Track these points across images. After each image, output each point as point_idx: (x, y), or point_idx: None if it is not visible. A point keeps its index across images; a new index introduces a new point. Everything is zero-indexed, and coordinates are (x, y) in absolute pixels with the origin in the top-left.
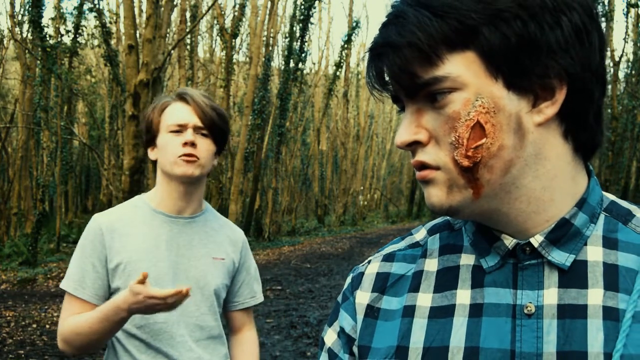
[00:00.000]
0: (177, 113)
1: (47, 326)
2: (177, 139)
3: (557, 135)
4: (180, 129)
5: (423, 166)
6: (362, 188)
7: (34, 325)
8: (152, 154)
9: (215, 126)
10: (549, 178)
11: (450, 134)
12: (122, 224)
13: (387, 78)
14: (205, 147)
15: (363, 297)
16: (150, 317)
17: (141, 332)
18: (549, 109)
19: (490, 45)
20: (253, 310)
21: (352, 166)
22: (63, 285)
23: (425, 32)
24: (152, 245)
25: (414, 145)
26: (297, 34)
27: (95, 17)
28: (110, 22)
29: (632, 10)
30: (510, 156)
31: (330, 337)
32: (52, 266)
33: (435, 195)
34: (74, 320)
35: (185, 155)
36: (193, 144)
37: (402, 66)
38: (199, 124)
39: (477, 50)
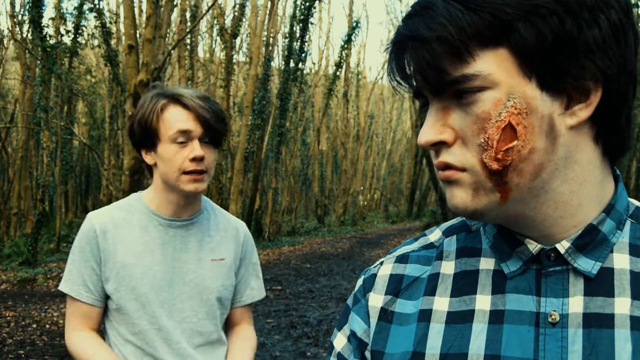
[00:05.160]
0: (179, 122)
1: (47, 326)
2: (183, 152)
3: (588, 139)
4: (185, 140)
5: (447, 167)
6: (362, 188)
7: (34, 325)
8: (148, 158)
9: (217, 132)
10: (577, 182)
11: (479, 135)
12: (116, 225)
13: (409, 72)
14: (211, 157)
15: (376, 299)
16: (145, 324)
17: (136, 338)
18: (583, 111)
19: (524, 43)
20: (252, 309)
21: (352, 166)
22: (64, 288)
23: (457, 26)
24: (146, 249)
25: (439, 145)
26: (297, 34)
27: (95, 17)
28: (110, 22)
29: (633, 10)
30: (541, 160)
31: (339, 341)
32: (52, 266)
33: (460, 197)
34: (82, 345)
35: (195, 172)
36: (202, 159)
37: (431, 61)
38: (202, 133)
39: (510, 47)
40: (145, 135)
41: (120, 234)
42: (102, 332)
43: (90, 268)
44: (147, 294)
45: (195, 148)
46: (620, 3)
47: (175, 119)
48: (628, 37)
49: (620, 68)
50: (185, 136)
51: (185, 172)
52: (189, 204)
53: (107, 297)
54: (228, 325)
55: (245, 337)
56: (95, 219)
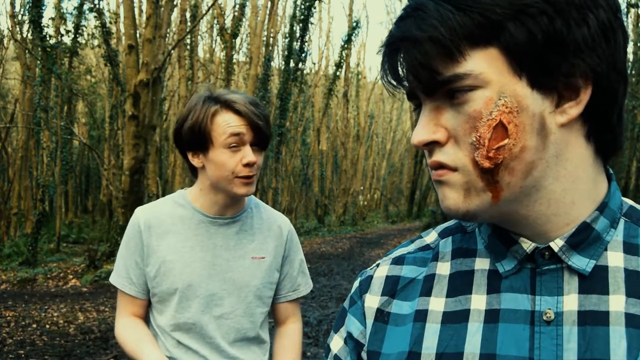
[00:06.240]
0: (233, 128)
1: (47, 326)
2: (235, 157)
3: (580, 137)
4: (238, 144)
5: (440, 166)
6: (362, 188)
7: (34, 325)
8: (196, 161)
9: (266, 137)
10: (570, 180)
11: (470, 134)
12: (160, 221)
13: (402, 73)
14: (260, 161)
15: (372, 300)
16: (181, 317)
17: (172, 329)
18: (573, 109)
19: (515, 42)
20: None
21: (352, 166)
22: (112, 280)
23: (448, 27)
24: (187, 246)
25: (432, 145)
26: (297, 34)
27: (95, 17)
28: (110, 22)
29: (632, 10)
30: (532, 158)
31: (336, 343)
32: (52, 266)
33: (452, 198)
34: (124, 331)
35: (246, 177)
36: (254, 164)
37: (422, 62)
38: (253, 138)
39: (500, 46)
40: (196, 139)
41: (163, 229)
42: (146, 321)
43: (134, 261)
44: (185, 289)
45: (248, 154)
46: (609, 2)
47: (228, 125)
48: (617, 35)
49: (610, 66)
50: (238, 141)
51: (237, 177)
52: (234, 204)
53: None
54: (275, 322)
55: (291, 335)
56: (140, 214)
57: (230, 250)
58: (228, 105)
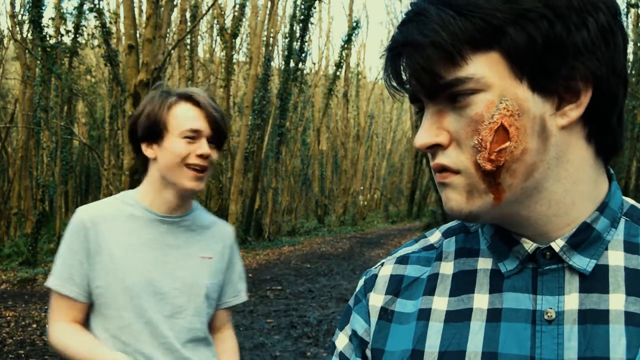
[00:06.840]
0: (192, 119)
1: (47, 326)
2: (190, 147)
3: (580, 138)
4: (194, 137)
5: (443, 169)
6: (362, 188)
7: (34, 325)
8: (149, 152)
9: (223, 135)
10: (571, 181)
11: (472, 136)
12: (106, 219)
13: (405, 77)
14: (214, 157)
15: (377, 299)
16: (131, 317)
17: (122, 332)
18: (574, 111)
19: (515, 46)
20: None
21: (352, 166)
22: (50, 283)
23: (449, 32)
24: (136, 243)
25: (435, 148)
26: (297, 34)
27: (95, 17)
28: (110, 22)
29: (632, 10)
30: (533, 160)
31: (341, 341)
32: (52, 266)
33: (455, 199)
34: (68, 337)
35: (198, 169)
36: (208, 157)
37: (425, 66)
38: (211, 134)
39: (501, 50)
40: (152, 128)
41: (110, 227)
42: (87, 328)
43: (78, 261)
44: (135, 287)
45: (203, 145)
46: (608, 5)
47: (187, 116)
48: (616, 38)
49: (610, 69)
50: (196, 134)
51: (188, 166)
52: (182, 202)
53: (92, 293)
54: (210, 328)
55: (229, 341)
56: (85, 212)
57: (180, 249)
58: (187, 97)
